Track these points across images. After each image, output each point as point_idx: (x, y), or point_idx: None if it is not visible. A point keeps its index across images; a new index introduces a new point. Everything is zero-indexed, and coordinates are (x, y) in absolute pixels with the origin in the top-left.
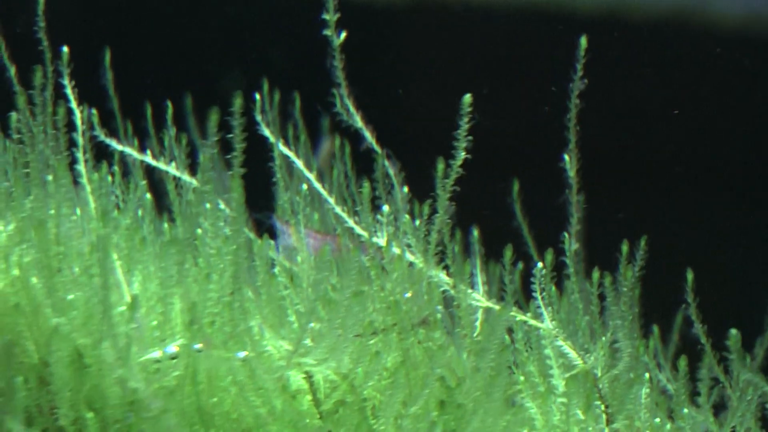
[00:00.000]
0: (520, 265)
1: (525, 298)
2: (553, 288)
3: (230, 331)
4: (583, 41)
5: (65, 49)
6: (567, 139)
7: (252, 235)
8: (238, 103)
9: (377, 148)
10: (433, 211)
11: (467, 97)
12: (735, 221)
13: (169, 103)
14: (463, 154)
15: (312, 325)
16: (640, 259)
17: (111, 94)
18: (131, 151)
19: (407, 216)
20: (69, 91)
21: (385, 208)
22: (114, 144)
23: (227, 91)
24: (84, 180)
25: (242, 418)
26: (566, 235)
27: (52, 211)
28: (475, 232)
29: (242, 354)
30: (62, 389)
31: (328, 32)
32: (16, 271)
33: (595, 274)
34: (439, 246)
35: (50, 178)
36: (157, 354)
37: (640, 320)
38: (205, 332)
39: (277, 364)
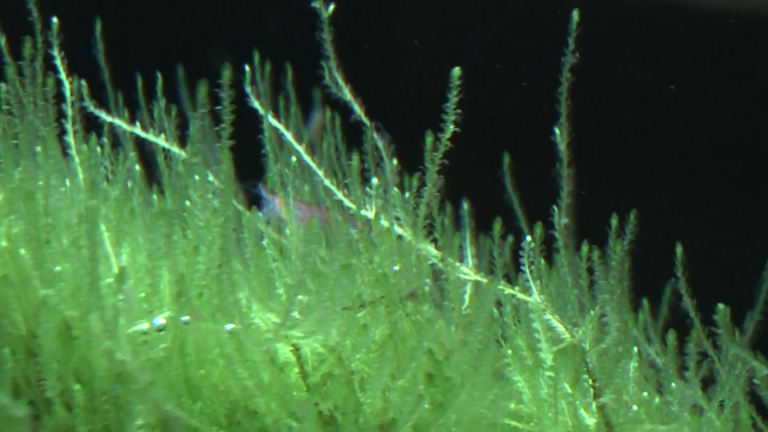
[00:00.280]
0: (510, 239)
1: (515, 271)
2: (543, 262)
3: (218, 304)
4: (575, 15)
5: (55, 20)
6: (558, 113)
7: (241, 207)
8: (226, 75)
9: (366, 120)
10: (422, 184)
11: (456, 71)
12: (725, 196)
13: (159, 75)
14: (451, 128)
15: (300, 297)
16: (630, 233)
17: (101, 65)
18: (121, 123)
19: (396, 189)
20: (58, 62)
21: (375, 180)
22: (103, 116)
23: (217, 63)
24: (73, 151)
25: (230, 390)
26: (555, 208)
27: (41, 183)
28: (465, 206)
29: (230, 326)
30: (50, 361)
31: (316, 4)
32: (4, 243)
33: (584, 248)
34: (428, 219)
35: (39, 149)
36: (144, 326)
37: (630, 294)
38: (193, 305)
39: (265, 337)
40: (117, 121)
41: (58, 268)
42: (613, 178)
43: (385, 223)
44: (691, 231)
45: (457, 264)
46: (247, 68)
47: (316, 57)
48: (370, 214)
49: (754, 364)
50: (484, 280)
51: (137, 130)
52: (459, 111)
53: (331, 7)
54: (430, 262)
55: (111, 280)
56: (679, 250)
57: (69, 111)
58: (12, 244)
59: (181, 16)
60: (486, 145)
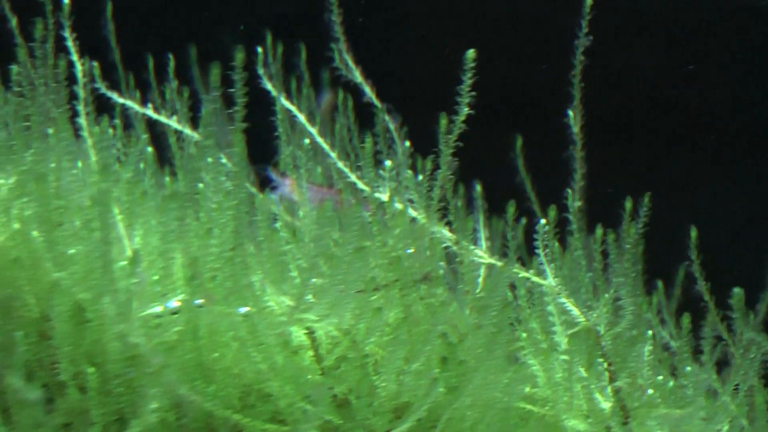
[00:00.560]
0: (523, 221)
1: (528, 253)
2: (556, 244)
3: (231, 287)
4: None
5: (66, 0)
6: (571, 95)
7: (253, 189)
8: (239, 57)
9: (377, 102)
10: (436, 166)
11: (471, 52)
12: (740, 177)
13: (171, 56)
14: (466, 110)
15: (314, 280)
16: (644, 215)
17: (112, 45)
18: (132, 104)
19: (409, 171)
20: (70, 43)
21: (388, 162)
22: (115, 97)
23: (229, 44)
24: (85, 133)
25: (243, 374)
26: (569, 191)
27: (53, 165)
28: (478, 188)
29: (243, 309)
30: (63, 344)
31: None
32: (16, 225)
33: (599, 231)
34: (442, 201)
35: (51, 131)
36: (158, 309)
37: (643, 276)
38: (207, 287)
39: (279, 320)
40: (129, 103)
41: (71, 251)
42: (626, 158)
43: (399, 205)
44: (704, 212)
45: (471, 247)
46: (259, 50)
47: (326, 37)
48: (384, 196)
49: None
50: (498, 263)
51: (149, 111)
52: (473, 92)
53: None
54: (443, 245)
55: (124, 262)
56: (693, 233)
57: (81, 92)
58: (24, 226)
59: None
60: (497, 126)
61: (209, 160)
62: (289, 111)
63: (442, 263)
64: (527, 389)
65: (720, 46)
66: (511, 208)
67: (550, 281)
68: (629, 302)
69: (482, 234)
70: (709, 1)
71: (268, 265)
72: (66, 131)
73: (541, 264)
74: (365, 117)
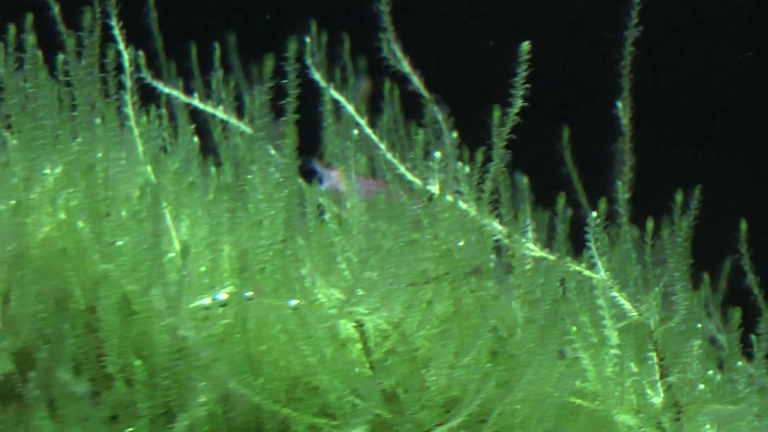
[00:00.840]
0: (569, 212)
1: (573, 244)
2: (606, 237)
3: (281, 279)
4: None
5: None
6: (620, 87)
7: (301, 181)
8: (292, 48)
9: (425, 93)
10: (486, 158)
11: (525, 44)
12: None
13: (217, 45)
14: (520, 102)
15: (365, 273)
16: (694, 208)
17: (155, 34)
18: (178, 94)
19: (459, 163)
20: (116, 32)
21: (437, 154)
22: (161, 87)
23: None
24: (132, 123)
25: (290, 366)
26: (619, 183)
27: (100, 155)
28: (525, 179)
29: (294, 302)
30: (110, 336)
31: None
32: (62, 215)
33: (650, 224)
34: (493, 194)
35: (98, 121)
36: (206, 301)
37: (690, 268)
38: (256, 280)
39: (329, 313)
40: (174, 93)
41: (118, 243)
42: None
43: (449, 197)
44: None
45: (523, 240)
46: (307, 40)
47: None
48: (434, 188)
49: None
50: (550, 257)
51: (195, 101)
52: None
53: None
54: (494, 237)
55: (172, 254)
56: (743, 225)
57: (128, 82)
58: (70, 216)
59: None
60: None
61: (258, 151)
62: (331, 101)
63: (492, 256)
64: (577, 384)
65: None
66: (561, 200)
67: (603, 275)
68: (681, 297)
69: (529, 225)
70: None
71: (317, 257)
72: (113, 121)
73: (592, 257)
74: (411, 105)
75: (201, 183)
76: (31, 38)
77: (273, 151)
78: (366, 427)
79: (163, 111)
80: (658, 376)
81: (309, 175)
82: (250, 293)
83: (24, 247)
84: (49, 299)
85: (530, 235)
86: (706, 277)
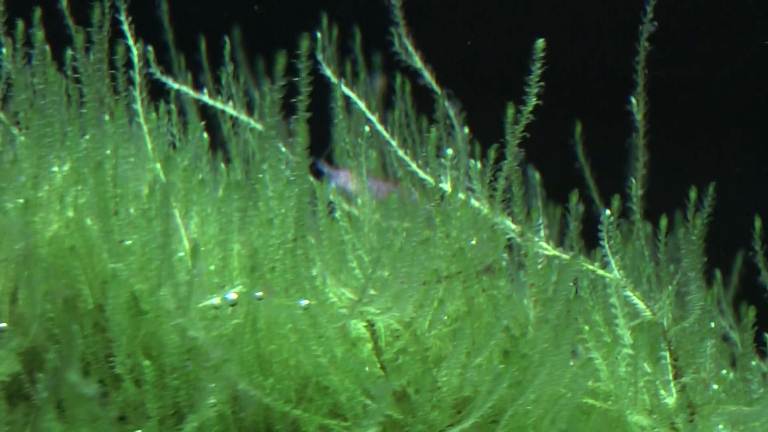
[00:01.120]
0: (581, 208)
1: (585, 241)
2: (619, 235)
3: (292, 279)
4: None
5: None
6: (635, 82)
7: (312, 179)
8: (304, 45)
9: (437, 88)
10: (499, 155)
11: (540, 42)
12: None
13: (227, 40)
14: (533, 101)
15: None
16: (708, 205)
17: (165, 26)
18: (188, 90)
19: (472, 161)
20: (126, 27)
21: (449, 151)
22: (170, 82)
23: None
24: (141, 119)
25: (301, 366)
26: (633, 180)
27: (109, 152)
28: (537, 175)
29: (304, 302)
30: (119, 336)
31: None
32: (70, 213)
33: (663, 222)
34: (506, 192)
35: (107, 117)
36: (215, 300)
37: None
38: (266, 279)
39: (340, 313)
40: (184, 89)
41: (127, 241)
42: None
43: (462, 195)
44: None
45: (536, 239)
46: (318, 35)
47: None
48: (446, 186)
49: None
50: (564, 256)
51: (205, 97)
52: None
53: None
54: (507, 235)
55: (182, 253)
56: (758, 223)
57: (137, 78)
58: (79, 214)
59: None
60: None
61: (269, 149)
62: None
63: (504, 254)
64: (590, 383)
65: None
66: (574, 198)
67: (616, 274)
68: (695, 297)
69: (541, 222)
70: None
71: (327, 256)
72: (123, 118)
73: (605, 256)
74: (422, 100)
75: (210, 179)
76: (39, 33)
77: (284, 149)
78: (377, 428)
79: (173, 107)
80: (671, 376)
81: (317, 175)
82: (260, 293)
83: (32, 246)
84: (58, 298)
85: (543, 233)
86: (718, 274)
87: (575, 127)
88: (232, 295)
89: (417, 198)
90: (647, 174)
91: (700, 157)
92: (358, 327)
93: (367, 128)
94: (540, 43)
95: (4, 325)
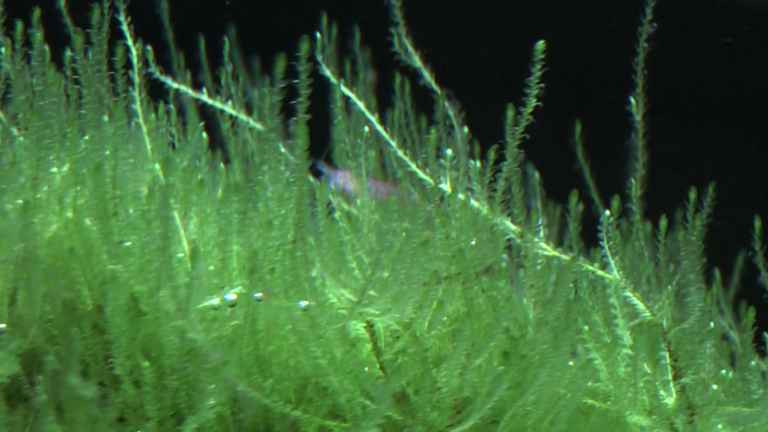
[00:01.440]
0: (580, 208)
1: (584, 240)
2: (618, 235)
3: (291, 280)
4: None
5: None
6: (634, 82)
7: (312, 180)
8: (304, 48)
9: (436, 88)
10: (499, 156)
11: (540, 44)
12: None
13: (226, 39)
14: (534, 101)
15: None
16: (708, 206)
17: (165, 25)
18: (187, 89)
19: (471, 161)
20: (125, 27)
21: (449, 151)
22: (169, 82)
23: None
24: (140, 120)
25: (299, 366)
26: (633, 181)
27: (108, 153)
28: (536, 174)
29: (303, 303)
30: (119, 338)
31: None
32: (70, 214)
33: (663, 222)
34: (505, 193)
35: (106, 118)
36: (215, 301)
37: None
38: (266, 280)
39: (339, 314)
40: (183, 88)
41: (127, 243)
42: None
43: (461, 196)
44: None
45: (536, 240)
46: (318, 35)
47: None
48: (446, 186)
49: None
50: (563, 256)
51: (204, 97)
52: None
53: None
54: (506, 236)
55: (181, 255)
56: (757, 223)
57: (136, 78)
58: (78, 215)
59: None
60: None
61: (268, 150)
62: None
63: (504, 255)
64: (589, 384)
65: None
66: (573, 199)
67: (616, 275)
68: (695, 298)
69: (541, 221)
70: None
71: (327, 257)
72: (122, 120)
73: (604, 256)
74: (420, 99)
75: (209, 179)
76: (38, 34)
77: (283, 150)
78: (377, 429)
79: (172, 107)
80: (671, 377)
81: (316, 176)
82: (259, 294)
83: (31, 247)
84: (57, 300)
85: (542, 233)
86: (717, 273)
87: (575, 126)
88: (232, 297)
89: (416, 199)
90: (647, 174)
91: (700, 157)
92: (358, 328)
93: (366, 129)
94: (540, 44)
95: (3, 326)
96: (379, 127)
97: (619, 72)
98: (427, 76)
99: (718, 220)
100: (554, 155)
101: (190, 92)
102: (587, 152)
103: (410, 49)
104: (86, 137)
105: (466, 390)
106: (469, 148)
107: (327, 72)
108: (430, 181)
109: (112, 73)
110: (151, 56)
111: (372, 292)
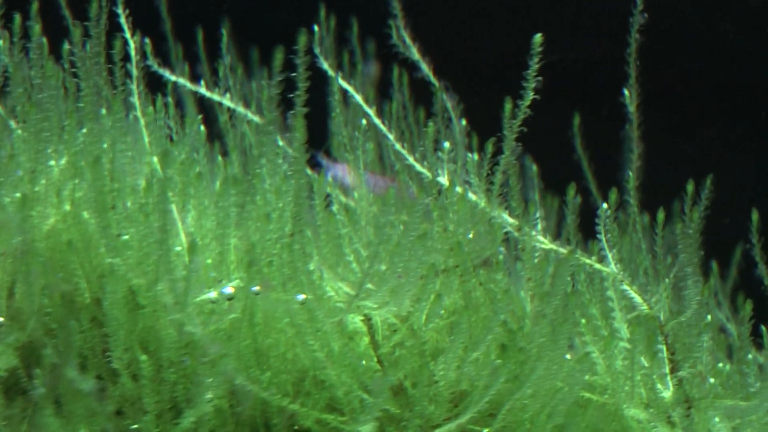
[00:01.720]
0: (578, 200)
1: (582, 231)
2: (616, 228)
3: (289, 273)
4: None
5: None
6: (627, 74)
7: (310, 172)
8: (302, 41)
9: (434, 80)
10: (497, 149)
11: (538, 37)
12: None
13: (224, 32)
14: (531, 95)
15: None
16: (705, 198)
17: (163, 17)
18: (185, 82)
19: (469, 154)
20: (123, 20)
21: (447, 144)
22: (167, 74)
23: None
24: (138, 112)
25: (298, 360)
26: (630, 173)
27: (106, 146)
28: (534, 167)
29: (301, 296)
30: (117, 331)
31: None
32: (68, 207)
33: (661, 215)
34: (503, 186)
35: (104, 111)
36: (213, 294)
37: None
38: (264, 274)
39: (337, 307)
40: (181, 81)
41: (125, 236)
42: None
43: (459, 189)
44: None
45: (533, 233)
46: (316, 28)
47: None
48: (443, 179)
49: None
50: (561, 249)
51: (202, 89)
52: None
53: None
54: (504, 229)
55: (179, 248)
56: (755, 216)
57: (134, 71)
58: (76, 208)
59: None
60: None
61: (266, 143)
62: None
63: (502, 248)
64: (587, 377)
65: None
66: (571, 191)
67: (613, 269)
68: (693, 291)
69: (538, 214)
70: None
71: (325, 250)
72: (120, 111)
73: (602, 249)
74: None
75: (208, 172)
76: (36, 26)
77: (281, 142)
78: (374, 422)
79: (170, 99)
80: (668, 370)
81: (315, 168)
82: (257, 287)
83: (29, 240)
84: (55, 293)
85: (540, 226)
86: (715, 266)
87: (574, 119)
88: (230, 290)
89: (414, 191)
90: (645, 166)
91: (699, 151)
92: (355, 321)
93: (364, 121)
94: (538, 38)
95: (1, 319)
96: (377, 120)
97: (618, 65)
98: (425, 68)
99: (716, 213)
100: (552, 148)
101: (189, 85)
102: (585, 145)
103: (408, 41)
104: (84, 130)
105: (464, 383)
106: (467, 140)
107: (325, 65)
108: (428, 173)
109: (110, 65)
110: (149, 49)
111: (370, 285)
